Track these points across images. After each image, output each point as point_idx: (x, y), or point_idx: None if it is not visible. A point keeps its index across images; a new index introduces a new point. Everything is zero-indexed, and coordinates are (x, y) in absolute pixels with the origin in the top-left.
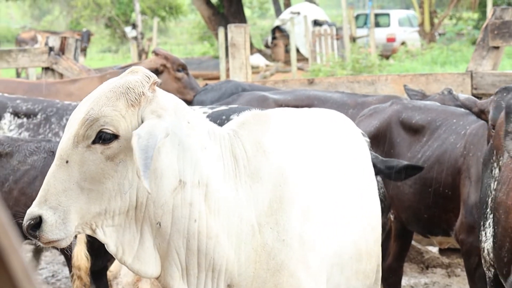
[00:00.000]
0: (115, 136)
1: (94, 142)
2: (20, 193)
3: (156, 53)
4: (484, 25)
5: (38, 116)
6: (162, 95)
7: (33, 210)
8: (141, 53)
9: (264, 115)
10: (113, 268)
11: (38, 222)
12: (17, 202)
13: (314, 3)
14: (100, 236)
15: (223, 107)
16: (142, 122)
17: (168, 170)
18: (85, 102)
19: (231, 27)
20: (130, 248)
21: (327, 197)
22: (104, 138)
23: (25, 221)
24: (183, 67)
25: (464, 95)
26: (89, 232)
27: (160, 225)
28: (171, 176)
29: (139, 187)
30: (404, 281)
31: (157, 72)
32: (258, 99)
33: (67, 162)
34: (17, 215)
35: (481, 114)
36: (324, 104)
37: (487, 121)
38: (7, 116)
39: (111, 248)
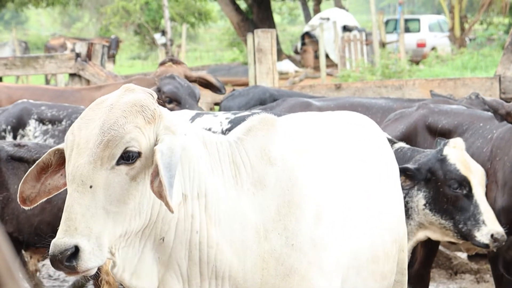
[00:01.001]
0: (138, 155)
1: (118, 163)
2: (46, 201)
3: (178, 62)
4: None
5: (63, 123)
6: (164, 110)
7: (65, 241)
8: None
9: (270, 119)
10: None
11: (73, 252)
12: (43, 210)
13: (344, 8)
14: (117, 259)
15: (246, 113)
16: (157, 138)
17: (175, 185)
18: (92, 124)
19: (258, 32)
20: (129, 265)
21: (337, 199)
22: (129, 157)
23: (57, 252)
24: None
25: (491, 98)
26: (109, 256)
27: (163, 240)
28: (177, 191)
29: (154, 205)
30: (433, 287)
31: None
32: (301, 105)
33: (91, 187)
34: (41, 223)
35: (507, 116)
36: (368, 111)
37: None
38: (32, 123)
39: (115, 268)
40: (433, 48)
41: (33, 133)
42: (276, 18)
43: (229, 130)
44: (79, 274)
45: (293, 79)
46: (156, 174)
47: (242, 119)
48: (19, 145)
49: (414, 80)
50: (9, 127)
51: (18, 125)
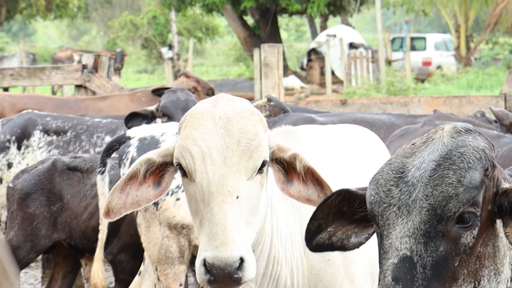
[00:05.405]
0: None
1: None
2: (95, 207)
3: (186, 76)
4: None
5: (68, 134)
6: None
7: (231, 254)
8: (177, 74)
9: (295, 132)
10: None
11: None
12: (91, 216)
13: (351, 26)
14: None
15: None
16: (269, 146)
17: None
18: (215, 133)
19: (264, 46)
20: None
21: None
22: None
23: (226, 265)
24: (212, 92)
25: (498, 108)
26: None
27: None
28: (268, 201)
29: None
30: None
31: None
32: (305, 120)
33: (237, 197)
34: (88, 228)
35: (511, 127)
36: (371, 127)
37: None
38: (37, 133)
39: None
40: (439, 67)
41: (37, 144)
42: (283, 34)
43: None
44: (237, 286)
45: (298, 95)
46: (292, 178)
47: None
48: (75, 157)
49: (419, 97)
50: (13, 137)
51: (22, 136)
